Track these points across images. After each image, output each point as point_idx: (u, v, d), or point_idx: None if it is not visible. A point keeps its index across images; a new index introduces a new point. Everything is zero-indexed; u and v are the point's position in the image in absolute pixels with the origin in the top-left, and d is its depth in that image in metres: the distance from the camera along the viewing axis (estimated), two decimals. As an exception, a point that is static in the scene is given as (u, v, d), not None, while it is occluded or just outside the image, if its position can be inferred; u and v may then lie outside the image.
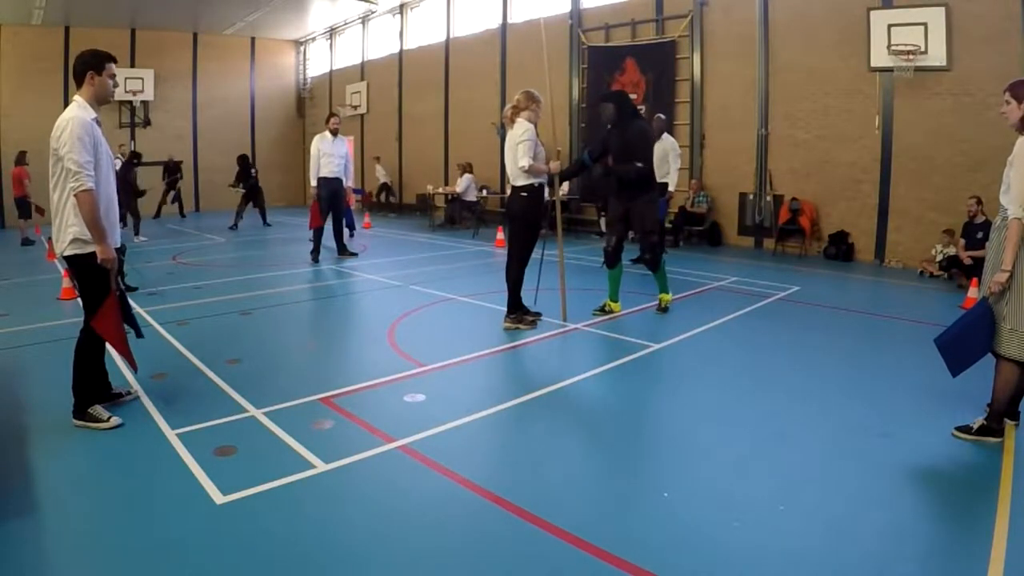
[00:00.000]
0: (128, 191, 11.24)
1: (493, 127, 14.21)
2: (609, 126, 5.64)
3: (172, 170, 16.08)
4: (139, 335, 3.85)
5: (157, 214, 16.26)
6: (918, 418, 3.63)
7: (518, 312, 5.48)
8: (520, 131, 5.14)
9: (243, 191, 14.18)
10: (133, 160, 12.02)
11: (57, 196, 3.35)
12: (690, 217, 10.86)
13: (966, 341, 3.34)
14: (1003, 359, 3.26)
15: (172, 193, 16.05)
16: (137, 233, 11.94)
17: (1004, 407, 3.30)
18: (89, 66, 3.42)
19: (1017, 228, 3.11)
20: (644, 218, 5.67)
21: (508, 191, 5.44)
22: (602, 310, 5.96)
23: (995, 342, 3.26)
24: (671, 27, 11.36)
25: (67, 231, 3.35)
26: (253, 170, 14.36)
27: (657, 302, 6.12)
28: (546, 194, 5.60)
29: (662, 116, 8.84)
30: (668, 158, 8.26)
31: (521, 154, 5.10)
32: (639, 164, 5.46)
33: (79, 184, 3.23)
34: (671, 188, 8.45)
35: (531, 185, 5.20)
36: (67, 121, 3.26)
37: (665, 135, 8.47)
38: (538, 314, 5.59)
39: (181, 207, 16.60)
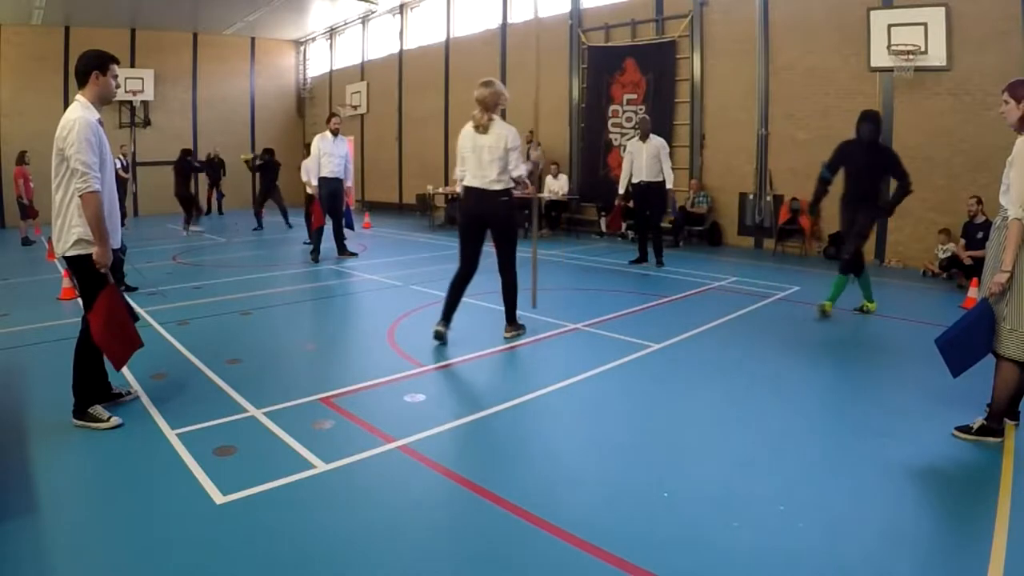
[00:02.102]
0: (187, 184, 13.22)
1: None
2: (855, 141, 5.90)
3: (215, 166, 16.71)
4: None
5: (220, 210, 16.95)
6: (918, 418, 3.63)
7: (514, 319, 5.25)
8: (510, 135, 4.82)
9: (256, 164, 14.04)
10: (187, 157, 13.47)
11: (60, 196, 3.35)
12: (690, 217, 10.86)
13: (967, 341, 3.33)
14: (1003, 359, 3.26)
15: (215, 189, 16.88)
16: (188, 224, 12.92)
17: (1004, 407, 3.30)
18: (93, 66, 3.42)
19: (1017, 229, 3.11)
20: (862, 222, 5.87)
21: (472, 194, 4.95)
22: (860, 310, 6.05)
23: (995, 342, 3.27)
24: (671, 27, 11.35)
25: (71, 231, 3.34)
26: (267, 156, 14.16)
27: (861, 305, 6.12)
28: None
29: (647, 117, 8.88)
30: (660, 157, 8.37)
31: (516, 163, 4.84)
32: (880, 181, 5.86)
33: (86, 185, 3.24)
34: (669, 186, 8.50)
35: (509, 189, 4.92)
36: (73, 122, 3.25)
37: (652, 136, 8.52)
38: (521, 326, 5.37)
39: (220, 204, 17.11)
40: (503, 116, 5.14)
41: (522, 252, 5.35)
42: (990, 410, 3.33)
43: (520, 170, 4.86)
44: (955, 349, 3.36)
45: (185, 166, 13.25)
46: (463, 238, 5.04)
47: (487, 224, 4.98)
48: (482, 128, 4.84)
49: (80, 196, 3.26)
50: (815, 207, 6.34)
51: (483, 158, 4.84)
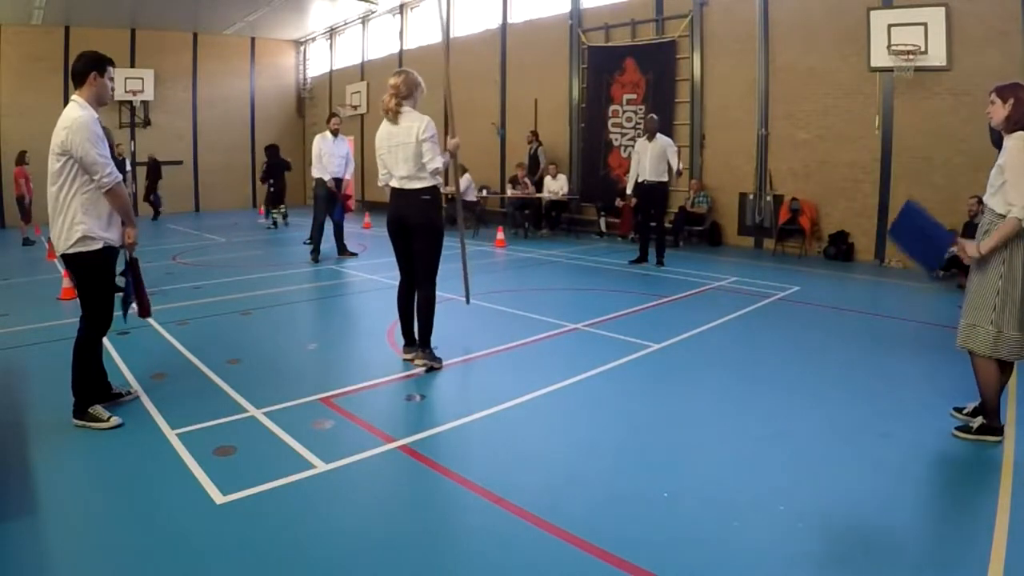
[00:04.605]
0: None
1: (493, 127, 14.21)
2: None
3: (153, 169, 16.41)
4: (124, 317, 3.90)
5: (156, 216, 16.29)
6: (918, 418, 3.63)
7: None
8: (421, 125, 4.34)
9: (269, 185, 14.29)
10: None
11: (62, 195, 3.35)
12: (690, 217, 10.85)
13: (928, 241, 3.59)
14: (980, 357, 3.27)
15: (154, 194, 16.36)
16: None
17: (995, 400, 3.29)
18: (92, 67, 3.44)
19: (1014, 225, 3.08)
20: None
21: (394, 196, 4.57)
22: None
23: (975, 342, 3.27)
24: (671, 27, 11.35)
25: (74, 228, 3.35)
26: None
27: None
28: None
29: (655, 116, 8.88)
30: (666, 156, 8.37)
31: (430, 155, 4.33)
32: None
33: (110, 178, 3.32)
34: (673, 187, 8.50)
35: (434, 187, 4.44)
36: (74, 121, 3.28)
37: (659, 135, 8.52)
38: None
39: (157, 208, 16.29)
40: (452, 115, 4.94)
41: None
42: (984, 409, 3.33)
43: (435, 162, 4.35)
44: (916, 242, 3.64)
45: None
46: (393, 246, 4.68)
47: (407, 228, 4.49)
48: (392, 114, 4.40)
49: (104, 192, 3.34)
50: None
51: (398, 155, 4.41)
